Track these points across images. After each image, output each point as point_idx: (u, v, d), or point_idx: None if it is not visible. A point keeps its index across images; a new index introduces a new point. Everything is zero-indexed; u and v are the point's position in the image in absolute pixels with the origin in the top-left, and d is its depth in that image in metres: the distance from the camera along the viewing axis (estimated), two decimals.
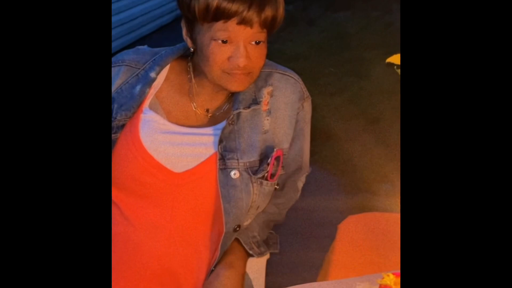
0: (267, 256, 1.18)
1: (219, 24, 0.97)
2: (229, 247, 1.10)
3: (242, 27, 0.98)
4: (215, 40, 0.99)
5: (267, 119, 1.09)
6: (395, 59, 0.80)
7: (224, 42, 0.99)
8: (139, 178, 1.06)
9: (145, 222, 1.08)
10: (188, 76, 1.10)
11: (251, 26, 0.98)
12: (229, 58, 1.00)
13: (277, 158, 1.09)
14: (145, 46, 1.18)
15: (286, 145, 1.12)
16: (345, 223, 1.13)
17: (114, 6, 4.80)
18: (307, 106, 1.15)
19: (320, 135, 2.78)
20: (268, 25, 1.00)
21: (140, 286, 1.07)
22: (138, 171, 1.06)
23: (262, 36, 1.01)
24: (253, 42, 1.00)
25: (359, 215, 1.15)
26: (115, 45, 4.86)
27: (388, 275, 0.68)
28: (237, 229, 1.10)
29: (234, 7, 0.96)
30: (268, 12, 0.98)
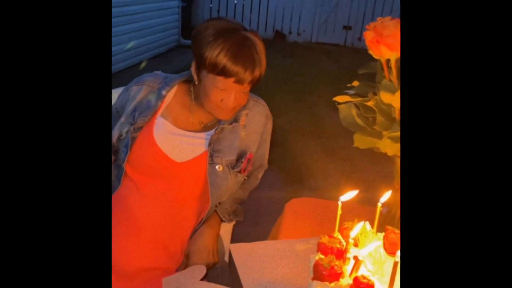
0: (234, 222, 1.20)
1: (221, 78, 0.97)
2: (210, 215, 1.12)
3: (236, 84, 0.98)
4: (215, 87, 0.98)
5: (243, 131, 1.11)
6: (339, 99, 0.82)
7: (221, 89, 0.99)
8: (151, 164, 1.07)
9: (152, 194, 1.08)
10: (190, 97, 1.10)
11: (242, 84, 0.98)
12: (222, 100, 1.00)
13: (249, 159, 1.13)
14: (160, 71, 1.17)
15: (254, 150, 1.15)
16: (289, 203, 1.15)
17: (121, 38, 4.70)
18: (270, 124, 1.19)
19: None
20: (254, 82, 1.00)
21: (147, 236, 1.08)
22: (151, 159, 1.07)
23: (247, 88, 1.01)
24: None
25: (301, 198, 1.16)
26: (121, 65, 4.75)
27: (324, 236, 0.71)
28: (218, 205, 1.13)
29: (234, 70, 0.95)
30: (256, 73, 0.98)
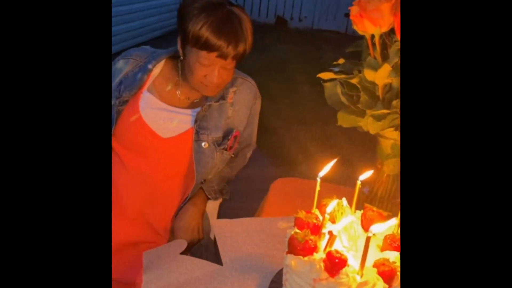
0: (220, 200, 1.20)
1: (204, 53, 0.95)
2: (195, 193, 1.12)
3: (219, 58, 0.96)
4: (199, 62, 0.97)
5: (230, 109, 1.10)
6: (323, 75, 0.81)
7: (204, 65, 0.97)
8: (136, 139, 1.06)
9: (137, 170, 1.07)
10: (177, 72, 1.08)
11: (225, 59, 0.96)
12: (206, 76, 0.99)
13: (235, 137, 1.12)
14: (148, 46, 1.16)
15: (241, 128, 1.14)
16: (275, 183, 1.15)
17: (118, 19, 4.63)
18: (258, 103, 1.17)
19: (261, 128, 2.97)
20: (238, 58, 0.99)
21: (131, 211, 1.08)
22: (136, 134, 1.06)
23: (232, 64, 1.00)
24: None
25: (284, 178, 1.17)
26: (117, 48, 4.70)
27: (301, 211, 0.71)
28: (203, 182, 1.12)
29: (217, 44, 0.93)
30: (240, 49, 0.96)
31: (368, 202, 0.84)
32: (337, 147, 2.88)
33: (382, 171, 0.85)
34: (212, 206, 1.21)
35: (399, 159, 0.81)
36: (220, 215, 1.25)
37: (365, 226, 0.71)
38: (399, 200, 0.69)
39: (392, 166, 0.82)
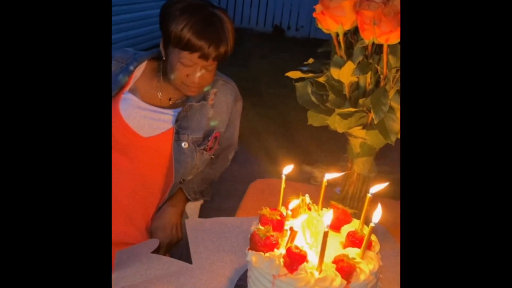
0: (201, 201, 1.19)
1: (186, 53, 0.96)
2: (175, 193, 1.11)
3: (201, 59, 0.96)
4: (181, 62, 0.98)
5: (211, 110, 1.10)
6: (291, 74, 0.81)
7: (186, 65, 0.98)
8: (116, 138, 1.05)
9: (118, 168, 1.05)
10: (159, 74, 1.09)
11: (207, 59, 0.97)
12: (187, 76, 0.99)
13: (216, 137, 1.11)
14: (130, 48, 1.17)
15: (222, 129, 1.13)
16: (254, 183, 1.14)
17: (121, 26, 4.66)
18: (239, 105, 1.17)
19: (252, 131, 2.95)
20: (220, 59, 0.99)
21: (114, 210, 1.01)
22: (116, 133, 1.05)
23: (213, 65, 1.00)
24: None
25: (264, 179, 1.16)
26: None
27: (265, 208, 0.69)
28: (182, 182, 1.11)
29: (198, 45, 0.94)
30: (221, 50, 0.96)
31: (339, 202, 0.83)
32: (328, 151, 2.88)
33: (353, 170, 0.84)
34: (193, 207, 1.20)
35: (368, 158, 0.81)
36: (201, 216, 1.22)
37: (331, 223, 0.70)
38: (365, 198, 0.68)
39: (362, 165, 0.81)
